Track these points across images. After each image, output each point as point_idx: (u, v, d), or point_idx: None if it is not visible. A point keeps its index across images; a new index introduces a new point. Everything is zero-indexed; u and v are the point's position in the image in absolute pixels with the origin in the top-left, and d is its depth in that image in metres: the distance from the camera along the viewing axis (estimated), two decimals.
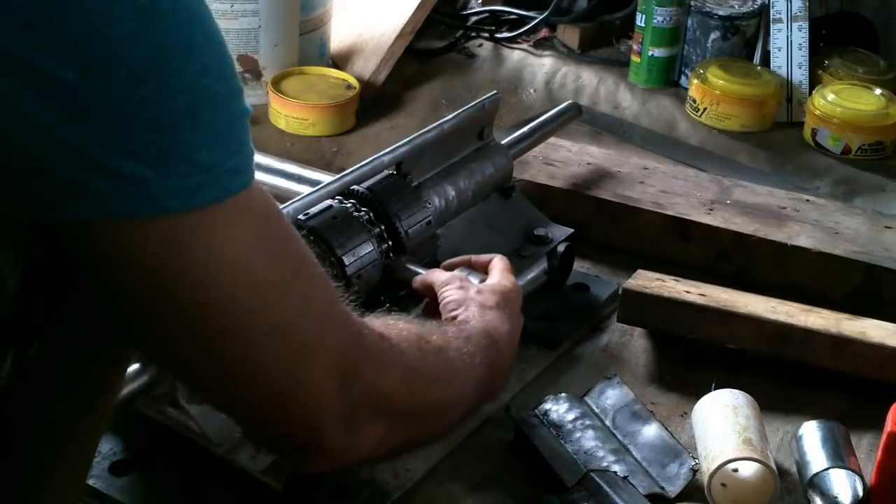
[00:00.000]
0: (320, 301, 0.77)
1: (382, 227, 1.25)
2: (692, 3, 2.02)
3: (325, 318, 0.77)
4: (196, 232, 0.68)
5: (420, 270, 1.21)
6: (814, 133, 1.90)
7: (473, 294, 1.08)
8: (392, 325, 0.88)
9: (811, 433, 1.19)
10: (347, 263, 1.19)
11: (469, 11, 2.25)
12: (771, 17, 1.97)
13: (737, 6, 2.02)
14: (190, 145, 0.66)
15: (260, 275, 0.71)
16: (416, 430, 0.88)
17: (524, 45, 2.18)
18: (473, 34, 2.20)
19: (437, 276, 1.14)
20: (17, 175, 0.63)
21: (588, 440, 1.19)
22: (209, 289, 0.69)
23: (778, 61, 1.97)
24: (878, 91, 1.92)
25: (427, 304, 1.16)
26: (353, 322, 0.80)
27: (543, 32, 2.20)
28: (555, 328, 1.39)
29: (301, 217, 1.20)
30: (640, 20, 2.03)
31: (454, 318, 1.05)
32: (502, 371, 1.05)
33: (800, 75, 1.96)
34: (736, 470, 1.16)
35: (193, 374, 0.76)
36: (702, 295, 1.35)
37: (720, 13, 2.01)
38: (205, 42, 0.67)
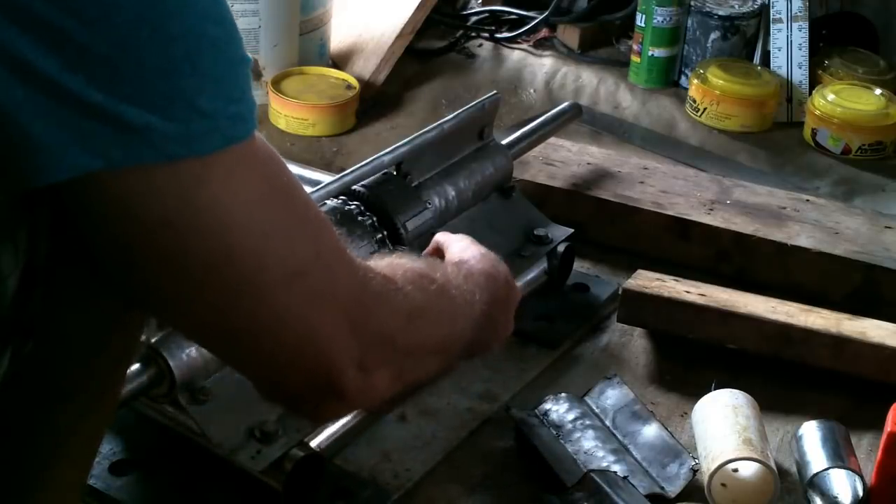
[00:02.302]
0: (328, 246, 0.77)
1: (382, 228, 1.25)
2: (692, 3, 2.02)
3: (335, 263, 0.77)
4: (203, 179, 0.68)
5: None
6: (814, 133, 1.90)
7: (477, 245, 1.09)
8: (397, 266, 0.88)
9: (811, 433, 1.20)
10: None
11: (469, 11, 2.25)
12: (771, 17, 1.97)
13: (737, 6, 2.02)
14: (190, 90, 0.66)
15: (270, 221, 0.72)
16: (423, 368, 0.89)
17: (524, 45, 2.18)
18: (473, 34, 2.20)
19: (447, 235, 1.15)
20: (21, 129, 0.63)
21: (588, 440, 1.19)
22: (221, 237, 0.69)
23: (778, 61, 1.97)
24: (878, 91, 1.92)
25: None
26: (360, 266, 0.81)
27: (543, 32, 2.20)
28: (555, 328, 1.39)
29: None
30: (640, 20, 2.03)
31: (459, 259, 1.06)
32: (500, 309, 1.04)
33: (800, 75, 1.96)
34: (736, 470, 1.16)
35: (211, 331, 0.76)
36: (702, 295, 1.35)
37: (720, 13, 2.01)
38: None
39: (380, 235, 1.24)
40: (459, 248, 1.08)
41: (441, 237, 1.15)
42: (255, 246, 0.71)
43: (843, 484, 1.18)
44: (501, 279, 1.04)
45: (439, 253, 1.14)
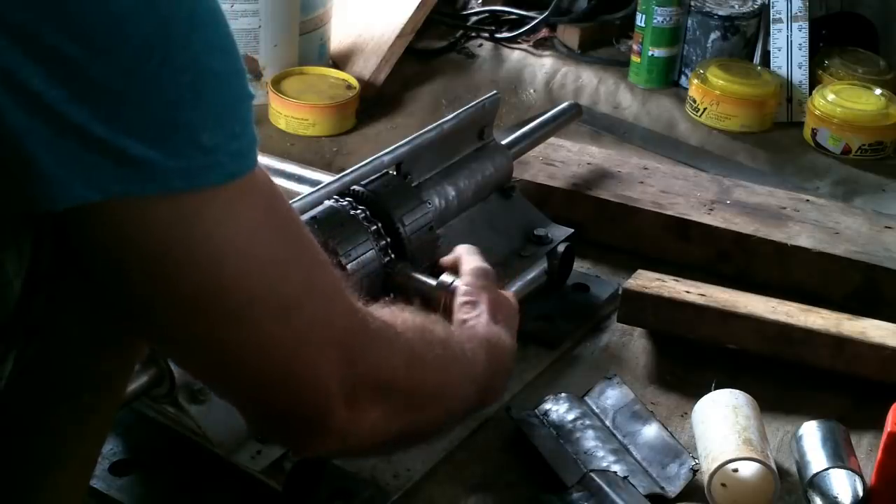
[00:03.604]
0: (324, 281, 0.77)
1: (382, 228, 1.24)
2: (692, 3, 2.02)
3: (330, 299, 0.77)
4: (201, 213, 0.68)
5: (421, 277, 1.21)
6: (814, 133, 1.90)
7: (486, 301, 1.10)
8: (397, 314, 0.89)
9: (811, 433, 1.19)
10: (347, 265, 1.19)
11: (469, 11, 2.25)
12: (771, 17, 1.97)
13: (737, 6, 2.02)
14: (193, 125, 0.66)
15: (266, 255, 0.72)
16: (415, 417, 0.88)
17: (524, 45, 2.18)
18: (473, 34, 2.20)
19: (469, 262, 1.16)
20: (24, 157, 0.63)
21: (588, 440, 1.19)
22: (217, 270, 0.69)
23: (778, 61, 1.97)
24: (878, 91, 1.92)
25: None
26: (359, 309, 0.81)
27: (543, 32, 2.20)
28: (555, 328, 1.39)
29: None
30: (640, 20, 2.03)
31: (464, 320, 1.07)
32: (500, 377, 1.05)
33: (800, 75, 1.96)
34: (736, 470, 1.16)
35: (200, 359, 0.76)
36: (702, 295, 1.35)
37: (720, 13, 2.01)
38: (208, 17, 0.66)
39: (375, 228, 1.23)
40: (469, 301, 1.09)
41: (463, 253, 1.16)
42: (249, 277, 0.71)
43: (843, 484, 1.17)
44: (505, 351, 1.05)
45: (454, 267, 1.14)
